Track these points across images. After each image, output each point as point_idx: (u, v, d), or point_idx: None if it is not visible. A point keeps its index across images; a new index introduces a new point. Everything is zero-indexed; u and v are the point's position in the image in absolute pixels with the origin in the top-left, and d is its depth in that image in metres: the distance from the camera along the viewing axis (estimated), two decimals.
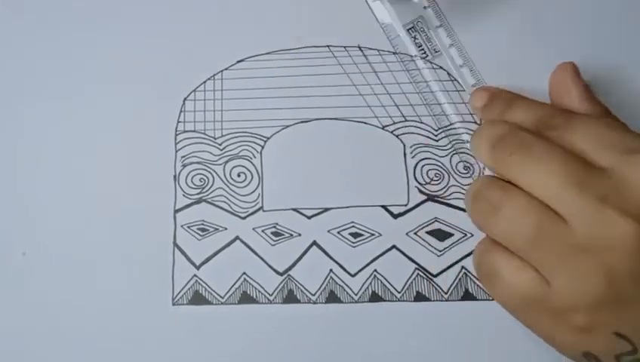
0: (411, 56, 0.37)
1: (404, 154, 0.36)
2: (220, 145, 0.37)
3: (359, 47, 0.37)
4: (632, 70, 0.36)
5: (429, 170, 0.36)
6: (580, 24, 0.37)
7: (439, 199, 0.35)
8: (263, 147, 0.36)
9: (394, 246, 0.35)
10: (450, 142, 0.36)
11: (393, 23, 0.37)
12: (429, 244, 0.35)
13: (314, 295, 0.35)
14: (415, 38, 0.37)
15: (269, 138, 0.37)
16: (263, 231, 0.36)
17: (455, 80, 0.37)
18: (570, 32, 0.37)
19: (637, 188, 0.27)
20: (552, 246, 0.28)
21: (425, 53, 0.36)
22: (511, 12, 0.37)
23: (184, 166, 0.36)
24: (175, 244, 0.36)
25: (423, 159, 0.36)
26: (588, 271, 0.27)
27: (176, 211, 0.36)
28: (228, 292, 0.35)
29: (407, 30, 0.37)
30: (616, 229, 0.27)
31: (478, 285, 0.34)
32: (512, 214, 0.28)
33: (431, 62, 0.37)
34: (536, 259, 0.28)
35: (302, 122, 0.37)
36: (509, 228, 0.29)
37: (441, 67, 0.37)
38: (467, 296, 0.34)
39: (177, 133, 0.37)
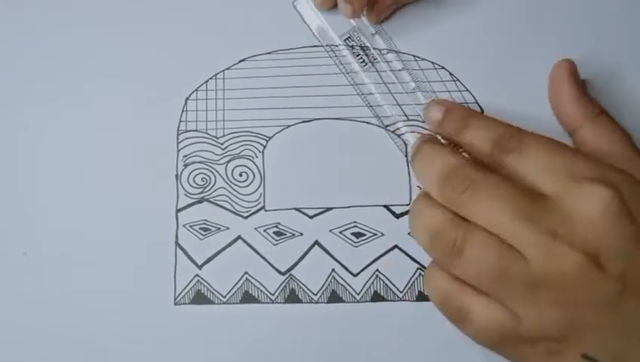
0: (414, 56, 0.37)
1: (406, 154, 0.36)
2: (222, 144, 0.37)
3: (361, 47, 0.37)
4: (630, 70, 0.36)
5: None
6: (578, 23, 0.37)
7: None
8: (264, 146, 0.36)
9: (396, 246, 0.35)
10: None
11: (329, 33, 0.37)
12: None
13: (316, 294, 0.35)
14: (352, 47, 0.37)
15: (270, 137, 0.37)
16: (264, 230, 0.36)
17: (458, 80, 0.37)
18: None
19: (581, 219, 0.28)
20: (514, 282, 0.28)
21: (364, 62, 0.37)
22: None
23: (186, 165, 0.36)
24: (177, 244, 0.36)
25: None
26: (548, 303, 0.28)
27: (178, 211, 0.36)
28: (230, 291, 0.35)
29: (344, 40, 0.37)
30: (566, 262, 0.28)
31: None
32: (474, 253, 0.29)
33: (433, 63, 0.37)
34: (502, 294, 0.29)
35: (304, 122, 0.37)
36: (473, 267, 0.29)
37: (443, 67, 0.37)
38: None
39: (179, 132, 0.37)
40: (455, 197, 0.30)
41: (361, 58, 0.37)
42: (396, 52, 0.37)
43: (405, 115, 0.36)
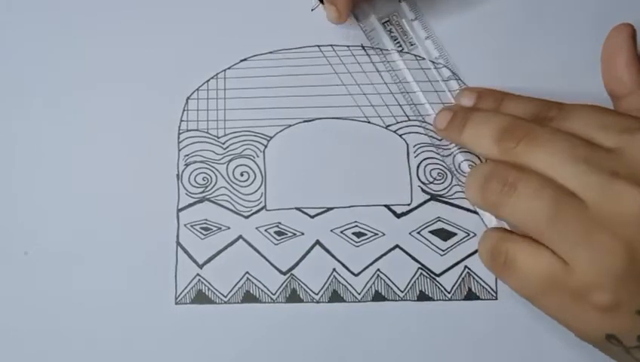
0: (416, 56, 0.37)
1: (408, 154, 0.36)
2: (223, 144, 0.37)
3: (362, 47, 0.37)
4: None
5: (432, 169, 0.36)
6: (580, 21, 0.37)
7: (442, 198, 0.35)
8: (266, 146, 0.36)
9: (397, 246, 0.35)
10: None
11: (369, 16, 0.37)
12: (433, 244, 0.35)
13: (317, 294, 0.35)
14: (391, 31, 0.37)
15: (272, 137, 0.37)
16: (266, 230, 0.36)
17: (458, 78, 0.37)
18: (570, 28, 0.37)
19: None
20: (569, 224, 0.27)
21: (400, 46, 0.37)
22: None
23: (187, 165, 0.36)
24: (178, 243, 0.36)
25: (427, 158, 0.36)
26: (607, 247, 0.27)
27: (179, 210, 0.36)
28: (231, 291, 0.35)
29: (383, 23, 0.37)
30: (629, 202, 0.27)
31: (481, 285, 0.35)
32: (527, 192, 0.28)
33: (433, 63, 0.37)
34: (554, 238, 0.28)
35: (305, 121, 0.37)
36: (526, 207, 0.28)
37: (444, 65, 0.37)
38: (470, 296, 0.34)
39: (180, 132, 0.37)
40: (512, 147, 0.29)
41: (398, 42, 0.37)
42: (397, 52, 0.37)
43: (441, 102, 0.36)
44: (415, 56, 0.37)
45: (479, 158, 0.35)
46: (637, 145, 0.28)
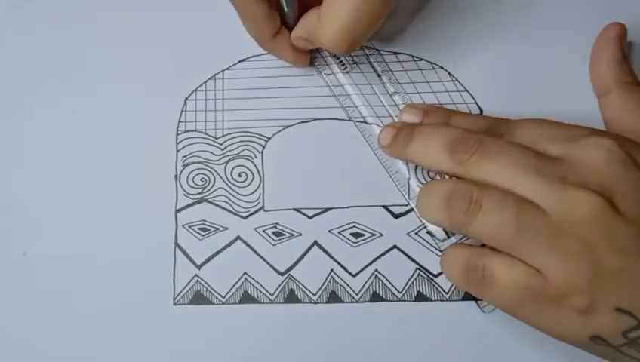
0: (413, 56, 0.37)
1: None
2: (221, 144, 0.37)
3: (361, 47, 0.37)
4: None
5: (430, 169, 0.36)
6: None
7: None
8: (264, 147, 0.37)
9: (395, 246, 0.35)
10: None
11: None
12: (430, 244, 0.35)
13: (315, 295, 0.35)
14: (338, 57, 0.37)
15: (270, 138, 0.37)
16: (264, 231, 0.36)
17: (456, 80, 0.37)
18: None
19: (590, 165, 0.28)
20: (535, 234, 0.28)
21: (344, 65, 0.37)
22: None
23: (185, 166, 0.36)
24: (176, 244, 0.36)
25: None
26: (573, 251, 0.27)
27: (177, 211, 0.36)
28: (229, 292, 0.35)
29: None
30: (582, 206, 0.27)
31: None
32: (492, 207, 0.28)
33: (431, 63, 0.37)
34: (524, 249, 0.28)
35: (303, 122, 0.37)
36: (493, 222, 0.28)
37: (441, 67, 0.37)
38: (468, 296, 0.34)
39: (178, 132, 0.37)
40: (466, 159, 0.30)
41: (341, 61, 0.37)
42: (395, 53, 0.37)
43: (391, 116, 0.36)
44: (412, 57, 0.37)
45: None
46: (581, 150, 0.29)
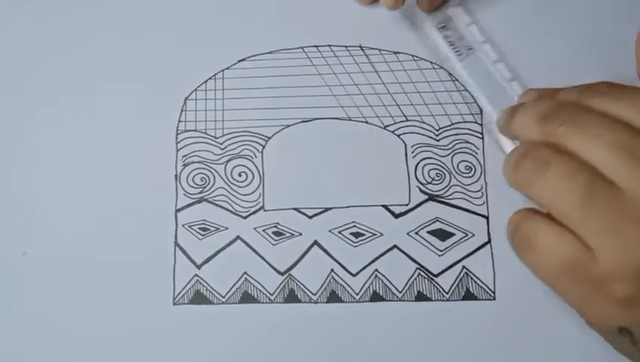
0: (413, 55, 0.37)
1: (406, 154, 0.36)
2: (221, 144, 0.37)
3: (360, 47, 0.37)
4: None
5: (431, 169, 0.36)
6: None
7: (440, 199, 0.35)
8: (264, 146, 0.36)
9: (395, 246, 0.35)
10: (452, 142, 0.36)
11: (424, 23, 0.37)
12: (430, 244, 0.35)
13: (315, 294, 0.35)
14: (447, 36, 0.37)
15: (270, 137, 0.37)
16: (264, 230, 0.36)
17: (456, 80, 0.37)
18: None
19: None
20: (601, 210, 0.27)
21: (459, 51, 0.36)
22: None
23: (185, 165, 0.36)
24: (176, 244, 0.36)
25: (425, 159, 0.36)
26: (636, 239, 0.26)
27: (177, 210, 0.36)
28: (229, 291, 0.35)
29: (439, 29, 0.37)
30: None
31: (479, 285, 0.35)
32: (561, 172, 0.27)
33: (432, 63, 0.37)
34: (582, 223, 0.27)
35: (303, 122, 0.37)
36: (558, 187, 0.27)
37: (442, 67, 0.37)
38: (468, 296, 0.34)
39: (178, 132, 0.37)
40: (554, 130, 0.28)
41: (455, 47, 0.36)
42: (395, 53, 0.37)
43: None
44: (412, 56, 0.37)
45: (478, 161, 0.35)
46: None
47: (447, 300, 0.34)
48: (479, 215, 0.35)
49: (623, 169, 0.27)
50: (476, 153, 0.36)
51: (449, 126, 0.36)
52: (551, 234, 0.28)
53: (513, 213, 0.30)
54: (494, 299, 0.34)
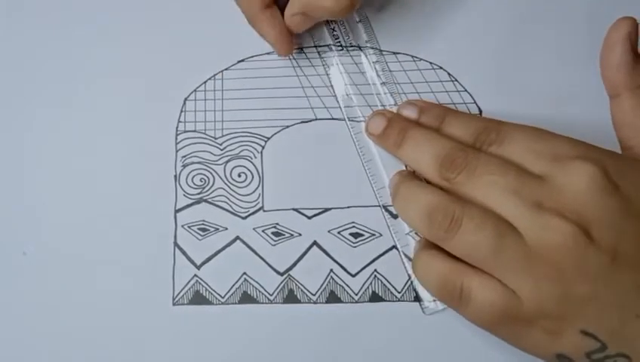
0: (412, 56, 0.37)
1: None
2: (221, 145, 0.37)
3: (359, 47, 0.37)
4: None
5: None
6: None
7: None
8: (263, 147, 0.37)
9: (394, 247, 0.35)
10: None
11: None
12: None
13: (314, 295, 0.35)
14: (333, 29, 0.37)
15: (269, 138, 0.37)
16: (263, 231, 0.36)
17: (456, 80, 0.37)
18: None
19: (569, 191, 0.29)
20: (511, 255, 0.29)
21: (340, 46, 0.37)
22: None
23: (184, 166, 0.36)
24: (175, 244, 0.36)
25: None
26: (544, 277, 0.28)
27: (176, 211, 0.36)
28: (228, 292, 0.35)
29: (326, 20, 0.37)
30: (557, 233, 0.28)
31: None
32: (471, 227, 0.29)
33: (431, 63, 0.37)
34: (500, 269, 0.29)
35: (302, 122, 0.37)
36: (471, 241, 0.29)
37: (441, 67, 0.37)
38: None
39: (178, 133, 0.37)
40: (453, 177, 0.31)
41: (339, 41, 0.37)
42: (394, 53, 0.37)
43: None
44: (412, 57, 0.37)
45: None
46: (563, 174, 0.29)
47: None
48: None
49: (517, 212, 0.29)
50: None
51: None
52: (482, 287, 0.29)
53: (424, 256, 0.31)
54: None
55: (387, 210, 0.35)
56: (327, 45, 0.37)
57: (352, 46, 0.37)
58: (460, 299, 0.30)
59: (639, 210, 0.29)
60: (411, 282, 0.35)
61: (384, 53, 0.37)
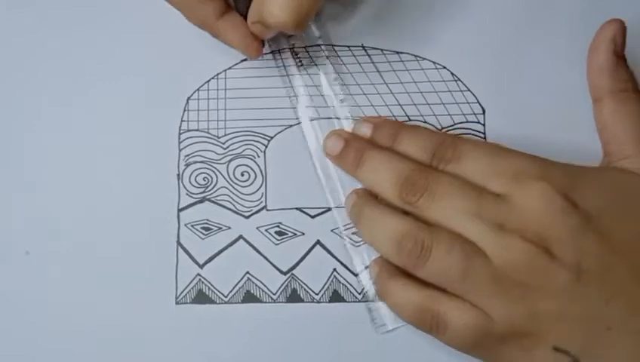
0: (415, 56, 0.37)
1: None
2: (224, 144, 0.37)
3: (363, 47, 0.37)
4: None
5: None
6: None
7: None
8: (266, 146, 0.37)
9: None
10: None
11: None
12: None
13: (317, 294, 0.35)
14: (293, 45, 0.37)
15: (272, 137, 0.37)
16: (266, 230, 0.36)
17: (459, 80, 0.37)
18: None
19: (528, 211, 0.29)
20: (479, 277, 0.29)
21: (300, 61, 0.37)
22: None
23: (188, 165, 0.36)
24: (179, 243, 0.36)
25: None
26: (512, 297, 0.29)
27: (179, 210, 0.36)
28: (231, 291, 0.35)
29: (287, 35, 0.37)
30: (519, 253, 0.29)
31: None
32: (440, 253, 0.29)
33: (434, 63, 0.37)
34: (471, 293, 0.29)
35: (311, 120, 0.37)
36: (441, 266, 0.30)
37: (444, 67, 0.37)
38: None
39: (181, 132, 0.37)
40: (414, 201, 0.31)
41: (299, 58, 0.37)
42: (397, 53, 0.37)
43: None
44: (415, 56, 0.37)
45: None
46: (522, 194, 0.29)
47: None
48: None
49: (481, 235, 0.29)
50: None
51: (451, 126, 0.36)
52: (457, 313, 0.30)
53: (397, 287, 0.31)
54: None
55: None
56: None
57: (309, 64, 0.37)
58: (437, 327, 0.30)
59: (599, 226, 0.29)
60: (366, 301, 0.35)
61: (386, 52, 0.37)
